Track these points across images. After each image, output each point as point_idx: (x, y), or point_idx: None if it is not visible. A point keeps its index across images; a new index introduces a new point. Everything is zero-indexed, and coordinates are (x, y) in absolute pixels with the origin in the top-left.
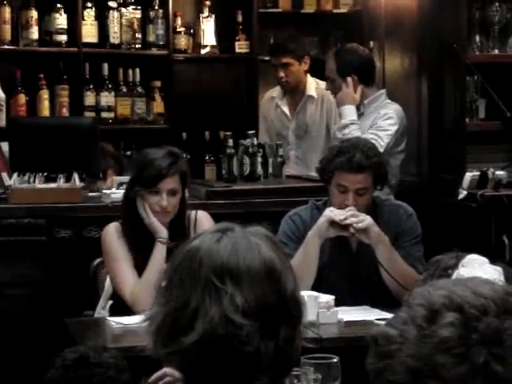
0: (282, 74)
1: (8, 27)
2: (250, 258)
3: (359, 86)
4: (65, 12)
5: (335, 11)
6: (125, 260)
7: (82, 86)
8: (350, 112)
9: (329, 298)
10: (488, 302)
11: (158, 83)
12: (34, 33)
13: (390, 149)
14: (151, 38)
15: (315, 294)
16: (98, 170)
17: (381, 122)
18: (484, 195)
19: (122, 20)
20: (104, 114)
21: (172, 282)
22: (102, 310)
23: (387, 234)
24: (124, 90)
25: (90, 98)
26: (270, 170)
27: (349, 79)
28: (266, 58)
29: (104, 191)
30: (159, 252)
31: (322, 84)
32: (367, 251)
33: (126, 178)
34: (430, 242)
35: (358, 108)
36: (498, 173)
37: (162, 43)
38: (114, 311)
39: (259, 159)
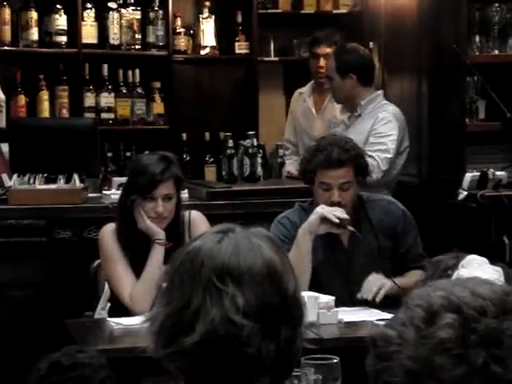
0: (322, 64)
1: (8, 28)
2: (251, 258)
3: (357, 86)
4: (65, 13)
5: (335, 12)
6: (122, 262)
7: (81, 86)
8: None
9: (329, 299)
10: (486, 303)
11: (157, 84)
12: (34, 34)
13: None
14: (151, 38)
15: (315, 294)
16: (98, 170)
17: (380, 128)
18: (484, 195)
19: (122, 21)
20: (104, 115)
21: (173, 283)
22: (102, 310)
23: (381, 230)
24: (124, 91)
25: (89, 99)
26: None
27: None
28: (266, 59)
29: (104, 192)
30: (157, 253)
31: None
32: (359, 246)
33: (125, 180)
34: (430, 243)
35: (355, 109)
36: (498, 173)
37: (161, 44)
38: (113, 314)
39: (259, 160)
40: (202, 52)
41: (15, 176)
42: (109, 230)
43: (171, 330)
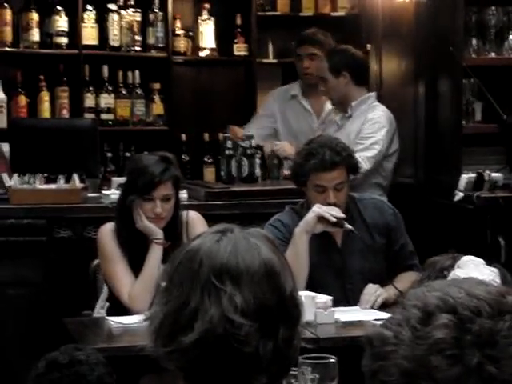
0: (306, 64)
1: (9, 29)
2: (249, 258)
3: (351, 84)
4: (65, 14)
5: (333, 14)
6: (120, 261)
7: (81, 87)
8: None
9: (326, 299)
10: (482, 304)
11: (157, 85)
12: (35, 35)
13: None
14: (151, 40)
15: (313, 294)
16: (98, 170)
17: (368, 128)
18: (480, 197)
19: (122, 22)
20: (104, 116)
21: (172, 282)
22: (101, 309)
23: (375, 228)
24: (124, 92)
25: (89, 100)
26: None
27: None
28: (265, 61)
29: (103, 192)
30: (155, 253)
31: None
32: (353, 245)
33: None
34: (426, 244)
35: (345, 110)
36: (493, 175)
37: (161, 46)
38: (112, 313)
39: (257, 161)
40: (202, 54)
41: (15, 176)
42: (108, 230)
43: (170, 328)
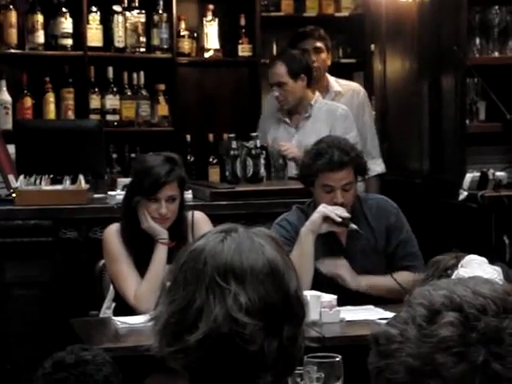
0: (314, 58)
1: (14, 31)
2: (253, 257)
3: (305, 87)
4: (70, 16)
5: (337, 15)
6: (126, 261)
7: (87, 89)
8: None
9: (331, 298)
10: (487, 302)
11: (162, 86)
12: (40, 37)
13: None
14: (155, 41)
15: (318, 293)
16: (104, 171)
17: (344, 123)
18: (484, 196)
19: (127, 24)
20: (109, 117)
21: (177, 282)
22: (107, 309)
23: (377, 229)
24: (129, 93)
25: (95, 101)
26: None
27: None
28: (269, 61)
29: (109, 193)
30: (160, 253)
31: (343, 82)
32: (357, 244)
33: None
34: (430, 243)
35: (304, 111)
36: (498, 174)
37: (166, 47)
38: (118, 313)
39: (262, 161)
40: (206, 54)
41: (21, 177)
42: (113, 230)
43: (175, 328)
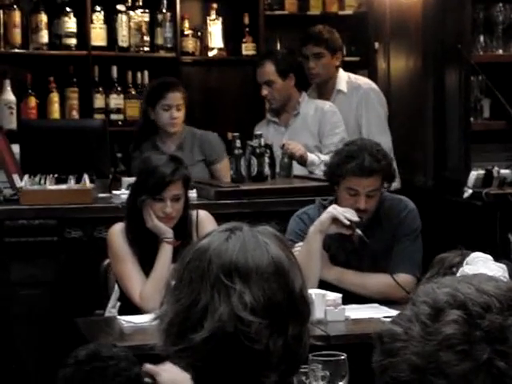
0: (311, 65)
1: (18, 31)
2: (258, 256)
3: (293, 85)
4: (74, 16)
5: (341, 13)
6: (131, 261)
7: (91, 88)
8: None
9: (336, 296)
10: (491, 299)
11: None
12: (44, 36)
13: None
14: (159, 40)
15: (323, 292)
16: (108, 171)
17: (332, 119)
18: (489, 193)
19: (131, 23)
20: (113, 116)
21: (182, 281)
22: (112, 309)
23: (388, 229)
24: (133, 93)
25: (99, 101)
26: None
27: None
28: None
29: (114, 192)
30: (165, 252)
31: (356, 78)
32: (368, 246)
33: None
34: (435, 240)
35: (291, 109)
36: (502, 171)
37: (169, 46)
38: (123, 312)
39: (266, 160)
40: (210, 53)
41: (26, 177)
42: (118, 230)
43: (180, 327)
